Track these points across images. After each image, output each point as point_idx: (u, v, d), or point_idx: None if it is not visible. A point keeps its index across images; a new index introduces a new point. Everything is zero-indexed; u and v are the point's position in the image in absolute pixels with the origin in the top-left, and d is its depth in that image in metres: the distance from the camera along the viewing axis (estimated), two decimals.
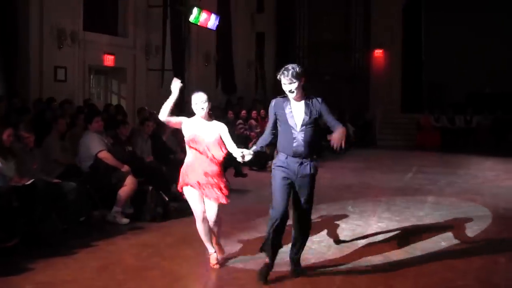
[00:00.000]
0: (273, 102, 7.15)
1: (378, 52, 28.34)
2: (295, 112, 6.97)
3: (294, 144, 6.87)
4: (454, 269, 7.58)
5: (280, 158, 6.98)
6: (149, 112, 14.27)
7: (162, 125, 11.22)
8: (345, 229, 9.63)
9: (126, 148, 11.03)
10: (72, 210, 8.87)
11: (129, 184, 9.85)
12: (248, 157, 7.06)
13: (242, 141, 16.44)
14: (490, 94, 28.02)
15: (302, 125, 6.92)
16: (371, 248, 8.53)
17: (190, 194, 7.32)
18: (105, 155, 10.01)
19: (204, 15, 20.29)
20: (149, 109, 15.02)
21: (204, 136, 7.27)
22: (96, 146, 10.08)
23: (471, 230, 9.77)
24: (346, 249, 8.44)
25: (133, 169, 10.15)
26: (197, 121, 7.43)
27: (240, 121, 17.96)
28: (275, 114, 7.05)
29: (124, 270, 7.30)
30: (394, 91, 28.07)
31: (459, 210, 11.46)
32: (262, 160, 16.69)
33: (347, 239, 9.01)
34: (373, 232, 9.54)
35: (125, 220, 9.81)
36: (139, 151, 11.42)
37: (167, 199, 10.38)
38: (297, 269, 7.24)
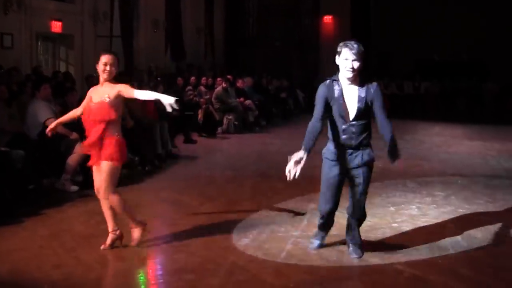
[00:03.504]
0: (324, 85, 6.29)
1: (328, 19, 28.37)
2: (347, 99, 6.18)
3: (344, 137, 6.25)
4: (403, 234, 7.68)
5: (329, 148, 6.42)
6: (97, 79, 14.07)
7: None
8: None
9: None
10: (20, 179, 8.76)
11: (77, 151, 9.75)
12: (175, 106, 6.31)
13: (192, 108, 16.44)
14: (438, 61, 28.34)
15: (354, 116, 6.17)
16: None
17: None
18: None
19: None
20: (97, 76, 14.83)
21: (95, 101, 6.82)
22: (44, 114, 9.96)
23: (420, 195, 9.91)
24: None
25: (82, 137, 10.04)
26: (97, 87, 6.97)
27: (189, 87, 17.87)
28: (326, 99, 6.25)
29: (73, 237, 7.25)
30: None
31: (406, 176, 11.59)
32: (211, 126, 16.72)
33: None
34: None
35: (74, 188, 9.73)
36: None
37: None
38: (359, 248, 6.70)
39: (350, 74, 6.07)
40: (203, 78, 19.35)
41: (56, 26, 17.56)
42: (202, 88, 18.37)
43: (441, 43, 27.96)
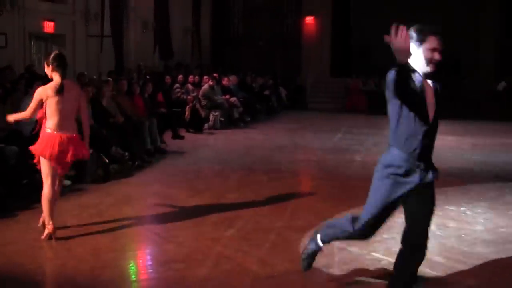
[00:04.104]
0: (392, 71, 4.47)
1: (309, 19, 28.37)
2: (428, 96, 4.66)
3: (424, 142, 4.65)
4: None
5: (394, 159, 4.73)
6: (88, 77, 14.02)
7: (101, 90, 11.11)
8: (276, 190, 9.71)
9: None
10: (13, 174, 8.69)
11: None
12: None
13: (179, 105, 16.41)
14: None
15: (434, 116, 4.70)
16: (304, 206, 8.65)
17: None
18: None
19: None
20: (88, 74, 14.78)
21: None
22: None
23: None
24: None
25: None
26: None
27: (177, 85, 17.83)
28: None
29: (66, 230, 7.20)
30: (324, 56, 28.18)
31: None
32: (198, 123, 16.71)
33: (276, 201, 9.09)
34: (306, 192, 9.61)
35: (67, 182, 9.65)
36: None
37: (107, 161, 10.26)
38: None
39: (431, 69, 4.67)
40: (190, 76, 19.30)
41: (49, 26, 17.47)
42: (189, 86, 18.34)
43: None
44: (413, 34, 4.61)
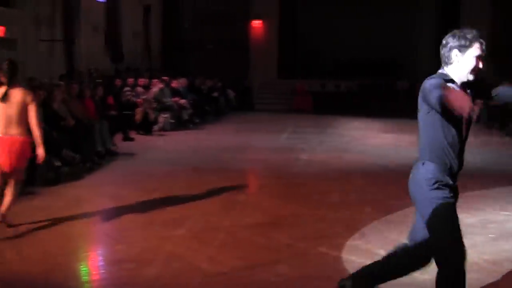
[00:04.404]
0: (438, 82, 4.05)
1: (257, 23, 28.41)
2: None
3: (459, 157, 4.23)
4: (325, 220, 7.77)
5: (437, 174, 4.19)
6: (39, 81, 13.81)
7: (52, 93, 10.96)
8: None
9: None
10: None
11: None
12: None
13: (130, 107, 16.27)
14: (358, 61, 28.66)
15: (467, 129, 4.28)
16: (251, 204, 8.68)
17: None
18: None
19: None
20: (39, 78, 14.55)
21: None
22: None
23: (339, 183, 10.05)
24: None
25: None
26: None
27: (127, 88, 17.69)
28: (426, 101, 4.12)
29: (17, 233, 7.07)
30: (272, 58, 28.21)
31: (328, 167, 11.74)
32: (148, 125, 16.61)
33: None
34: (254, 190, 9.64)
35: None
36: None
37: (59, 163, 10.13)
38: None
39: (476, 77, 4.19)
40: (140, 79, 19.18)
41: None
42: (139, 89, 18.21)
43: (361, 44, 28.35)
44: (455, 40, 4.17)
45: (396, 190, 9.58)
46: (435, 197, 4.16)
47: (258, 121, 21.44)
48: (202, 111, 20.75)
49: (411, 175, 4.38)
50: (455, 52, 4.16)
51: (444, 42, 4.23)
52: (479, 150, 13.95)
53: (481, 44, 4.15)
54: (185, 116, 18.78)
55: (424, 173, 4.23)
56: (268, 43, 28.19)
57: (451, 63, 4.19)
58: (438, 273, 4.17)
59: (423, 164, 4.26)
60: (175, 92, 19.26)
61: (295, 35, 29.82)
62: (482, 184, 10.05)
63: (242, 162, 12.58)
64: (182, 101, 18.91)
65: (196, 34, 28.12)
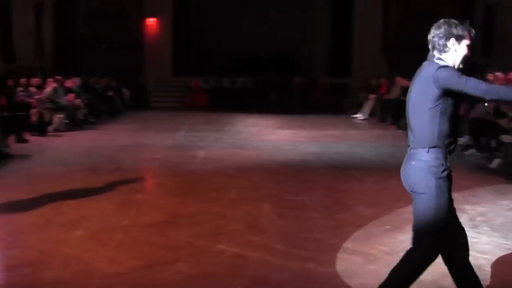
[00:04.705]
0: (453, 69, 4.20)
1: (151, 21, 28.20)
2: None
3: (455, 142, 4.29)
4: (223, 217, 7.83)
5: (441, 160, 4.17)
6: None
7: None
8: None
9: None
10: None
11: None
12: None
13: (23, 108, 15.85)
14: (254, 58, 28.95)
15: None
16: (149, 203, 8.66)
17: None
18: None
19: None
20: None
21: None
22: None
23: (236, 180, 10.15)
24: None
25: None
26: None
27: (20, 88, 17.23)
28: (446, 88, 4.12)
29: None
30: (166, 56, 28.09)
31: (225, 163, 11.82)
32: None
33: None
34: (151, 189, 9.59)
35: None
36: None
37: None
38: None
39: (466, 66, 4.32)
40: (33, 79, 18.70)
41: None
42: (33, 89, 17.77)
43: (256, 41, 28.66)
44: (452, 29, 4.21)
45: (293, 185, 9.83)
46: (440, 189, 4.14)
47: (154, 119, 21.32)
48: (97, 111, 20.47)
49: (409, 163, 4.29)
50: (452, 40, 4.21)
51: (437, 31, 4.25)
52: (373, 144, 14.45)
53: (470, 30, 4.24)
54: (80, 116, 18.49)
55: (431, 164, 4.16)
56: (163, 41, 28.07)
57: (446, 51, 4.23)
58: (408, 252, 4.26)
59: (427, 151, 4.17)
60: (69, 92, 18.91)
61: (189, 32, 29.88)
62: (378, 177, 10.40)
63: (139, 161, 12.49)
64: (77, 100, 18.60)
65: (90, 32, 27.64)
